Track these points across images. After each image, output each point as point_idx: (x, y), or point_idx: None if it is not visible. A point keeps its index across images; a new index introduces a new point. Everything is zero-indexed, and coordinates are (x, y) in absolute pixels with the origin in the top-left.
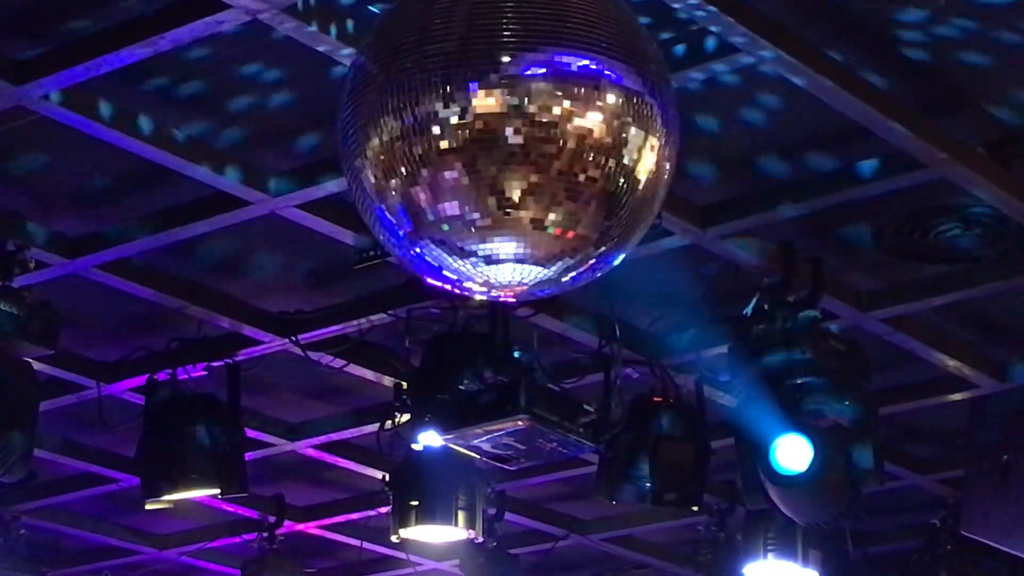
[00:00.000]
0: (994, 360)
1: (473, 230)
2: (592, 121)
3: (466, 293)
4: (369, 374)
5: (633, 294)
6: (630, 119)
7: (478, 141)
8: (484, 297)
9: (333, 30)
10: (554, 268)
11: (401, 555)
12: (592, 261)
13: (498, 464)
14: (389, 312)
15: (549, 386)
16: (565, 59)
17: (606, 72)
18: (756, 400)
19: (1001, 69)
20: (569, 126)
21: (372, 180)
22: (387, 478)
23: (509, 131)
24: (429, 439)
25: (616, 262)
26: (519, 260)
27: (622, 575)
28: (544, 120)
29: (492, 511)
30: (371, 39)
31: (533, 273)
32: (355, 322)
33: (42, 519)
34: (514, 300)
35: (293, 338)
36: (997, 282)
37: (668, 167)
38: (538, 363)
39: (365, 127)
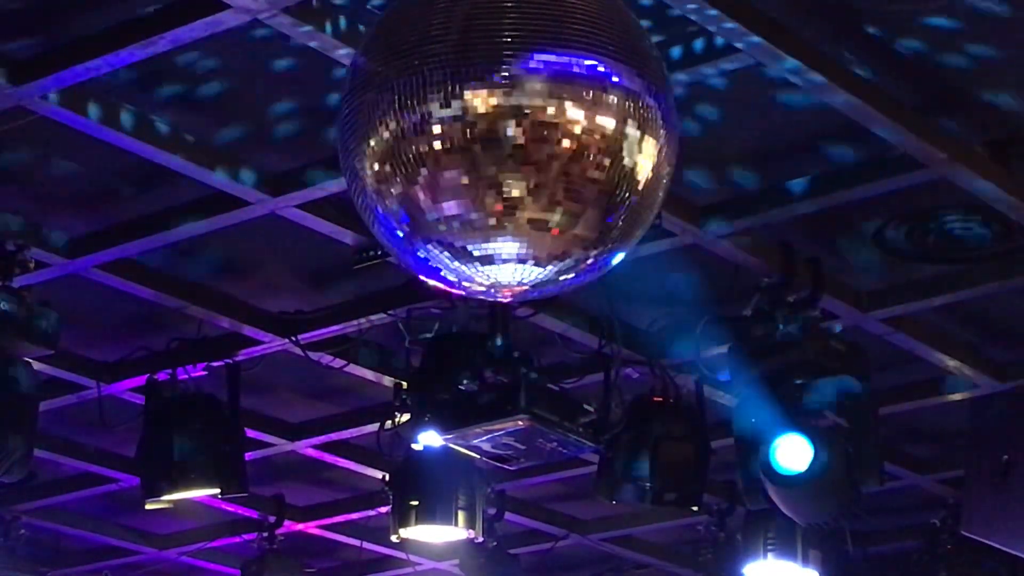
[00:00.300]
0: (994, 360)
1: (473, 230)
2: (592, 121)
3: (466, 293)
4: (369, 374)
5: (633, 294)
6: (630, 119)
7: (478, 141)
8: (484, 297)
9: (332, 29)
10: (554, 268)
11: (401, 555)
12: (592, 261)
13: (498, 464)
14: (389, 312)
15: (549, 386)
16: (565, 59)
17: (606, 72)
18: (756, 400)
19: (1001, 69)
20: (569, 126)
21: (372, 180)
22: (387, 478)
23: (509, 131)
24: (429, 439)
25: (616, 262)
26: (519, 260)
27: (622, 575)
28: (544, 120)
29: (492, 511)
30: (371, 39)
31: (533, 273)
32: (355, 322)
33: (42, 519)
34: (513, 300)
35: (293, 338)
36: (997, 282)
37: (668, 167)
38: (538, 363)
39: (365, 127)
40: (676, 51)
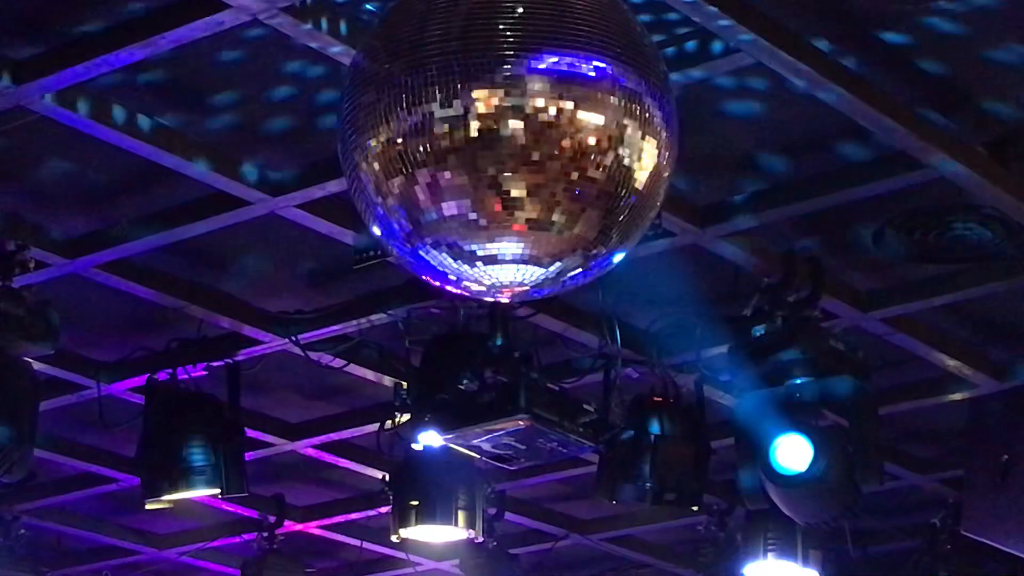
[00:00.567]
0: (994, 360)
1: (473, 230)
2: (592, 121)
3: (466, 293)
4: (369, 374)
5: (633, 294)
6: (630, 119)
7: (478, 141)
8: (484, 297)
9: (333, 29)
10: (554, 268)
11: (401, 555)
12: (592, 261)
13: (498, 464)
14: (389, 312)
15: (549, 386)
16: (565, 59)
17: (606, 72)
18: (756, 400)
19: (1001, 68)
20: (569, 126)
21: (372, 180)
22: (387, 478)
23: (508, 131)
24: (429, 439)
25: (616, 262)
26: (519, 260)
27: (622, 575)
28: (544, 120)
29: (492, 511)
30: (371, 38)
31: (533, 273)
32: (355, 322)
33: (42, 519)
34: (513, 300)
35: (293, 338)
36: (997, 282)
37: (668, 167)
38: (538, 363)
39: (365, 127)
40: (677, 49)
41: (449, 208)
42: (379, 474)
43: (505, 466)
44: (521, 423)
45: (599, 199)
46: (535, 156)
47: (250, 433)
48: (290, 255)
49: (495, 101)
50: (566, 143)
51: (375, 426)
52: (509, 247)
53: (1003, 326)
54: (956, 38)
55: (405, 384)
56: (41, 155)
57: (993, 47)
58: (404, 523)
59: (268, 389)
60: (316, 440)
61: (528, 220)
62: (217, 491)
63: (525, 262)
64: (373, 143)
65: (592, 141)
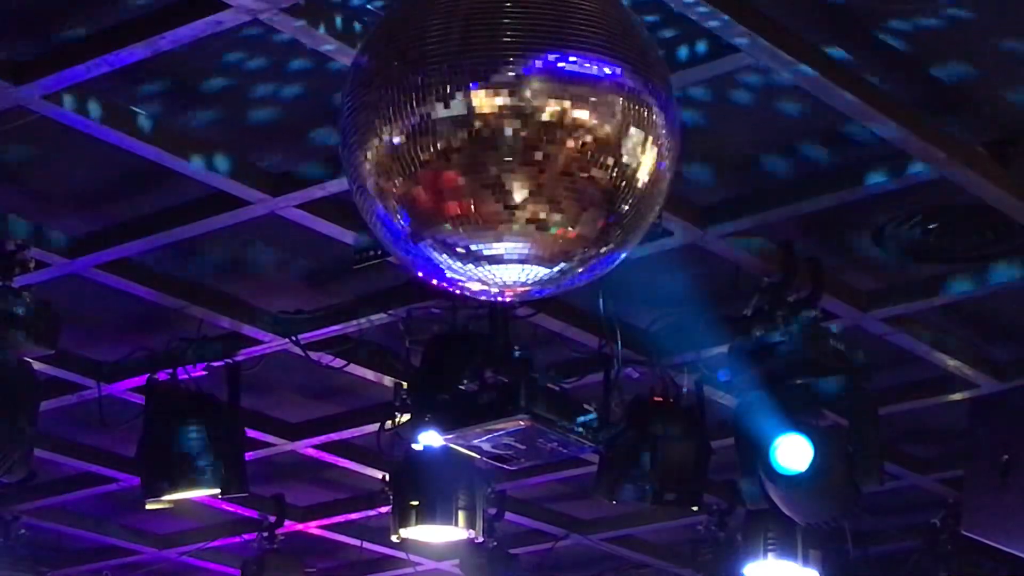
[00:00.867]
0: (994, 360)
1: (474, 230)
2: (592, 121)
3: (466, 293)
4: (369, 374)
5: (633, 294)
6: (630, 119)
7: (479, 141)
8: (485, 297)
9: (333, 29)
10: (555, 268)
11: (401, 555)
12: (593, 261)
13: (498, 464)
14: (389, 312)
15: (549, 386)
16: (565, 59)
17: (606, 72)
18: (756, 400)
19: (1002, 69)
20: (570, 126)
21: (373, 180)
22: (387, 478)
23: (509, 131)
24: (429, 439)
25: (617, 262)
26: (520, 260)
27: (622, 575)
28: (545, 120)
29: (492, 511)
30: (372, 38)
31: (534, 273)
32: (355, 322)
33: (42, 519)
34: (514, 300)
35: (293, 338)
36: (997, 282)
37: (668, 167)
38: (537, 363)
39: (366, 127)
40: (678, 49)
41: (450, 208)
42: (379, 474)
43: (505, 466)
44: (521, 423)
45: (600, 199)
46: (536, 156)
47: (250, 433)
48: (290, 255)
49: (496, 101)
50: (567, 143)
51: (375, 426)
52: (510, 247)
53: (1003, 326)
54: (956, 38)
55: (405, 384)
56: (41, 155)
57: (993, 47)
58: (404, 523)
59: (268, 389)
60: (316, 440)
61: (529, 220)
62: (217, 491)
63: (526, 262)
64: (374, 143)
65: (593, 141)
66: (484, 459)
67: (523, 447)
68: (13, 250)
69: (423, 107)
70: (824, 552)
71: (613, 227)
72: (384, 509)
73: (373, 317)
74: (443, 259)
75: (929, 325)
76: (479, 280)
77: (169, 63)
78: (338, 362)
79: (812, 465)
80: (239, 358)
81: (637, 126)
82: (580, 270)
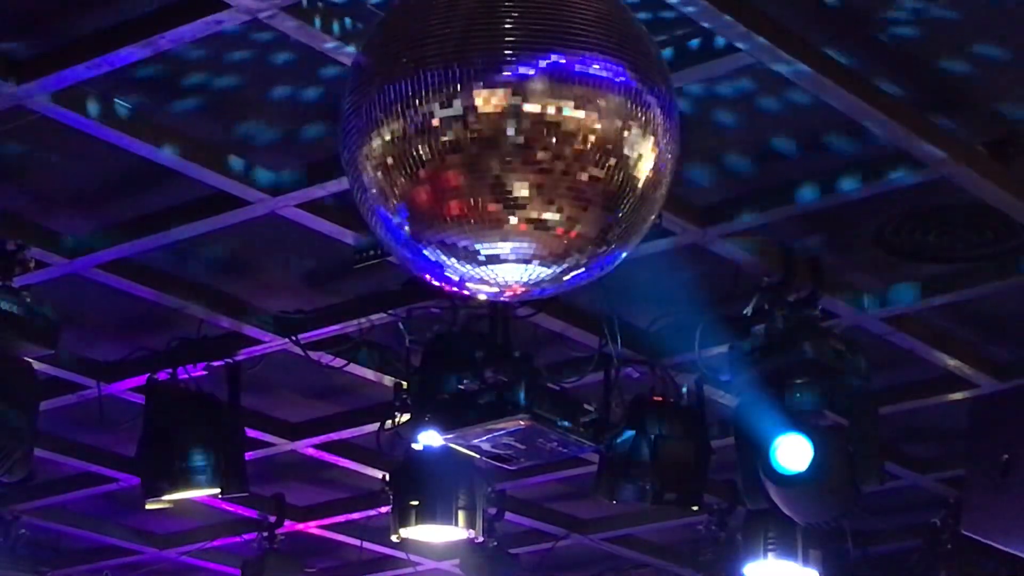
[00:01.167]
0: (994, 360)
1: (474, 230)
2: (593, 121)
3: (467, 293)
4: (369, 374)
5: (633, 294)
6: (631, 119)
7: (479, 141)
8: (485, 297)
9: (334, 28)
10: (555, 268)
11: (401, 555)
12: (594, 260)
13: (498, 464)
14: (389, 312)
15: (549, 386)
16: (566, 59)
17: (607, 72)
18: (756, 400)
19: (1002, 68)
20: (570, 126)
21: (373, 180)
22: (387, 478)
23: (510, 131)
24: (429, 439)
25: (617, 262)
26: (520, 260)
27: (622, 574)
28: (545, 120)
29: (492, 510)
30: (372, 38)
31: (534, 273)
32: (355, 322)
33: (42, 519)
34: (514, 300)
35: (293, 338)
36: (997, 282)
37: (669, 167)
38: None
39: (366, 126)
40: (678, 49)
41: (451, 208)
42: (379, 474)
43: (505, 466)
44: (521, 423)
45: (601, 199)
46: (537, 156)
47: (250, 433)
48: (290, 255)
49: (497, 101)
50: (568, 143)
51: (375, 426)
52: (511, 247)
53: (1003, 326)
54: (957, 37)
55: (405, 384)
56: (41, 155)
57: (994, 46)
58: (404, 523)
59: (268, 389)
60: (316, 440)
61: (530, 220)
62: (217, 491)
63: (527, 262)
64: (375, 143)
65: (593, 141)
66: (484, 459)
67: (523, 447)
68: (13, 250)
69: (423, 107)
70: (824, 552)
71: (613, 227)
72: (384, 509)
73: (373, 317)
74: (443, 259)
75: (929, 325)
76: (479, 280)
77: (170, 62)
78: (338, 362)
79: (812, 465)
80: (239, 358)
81: (638, 126)
82: (580, 270)
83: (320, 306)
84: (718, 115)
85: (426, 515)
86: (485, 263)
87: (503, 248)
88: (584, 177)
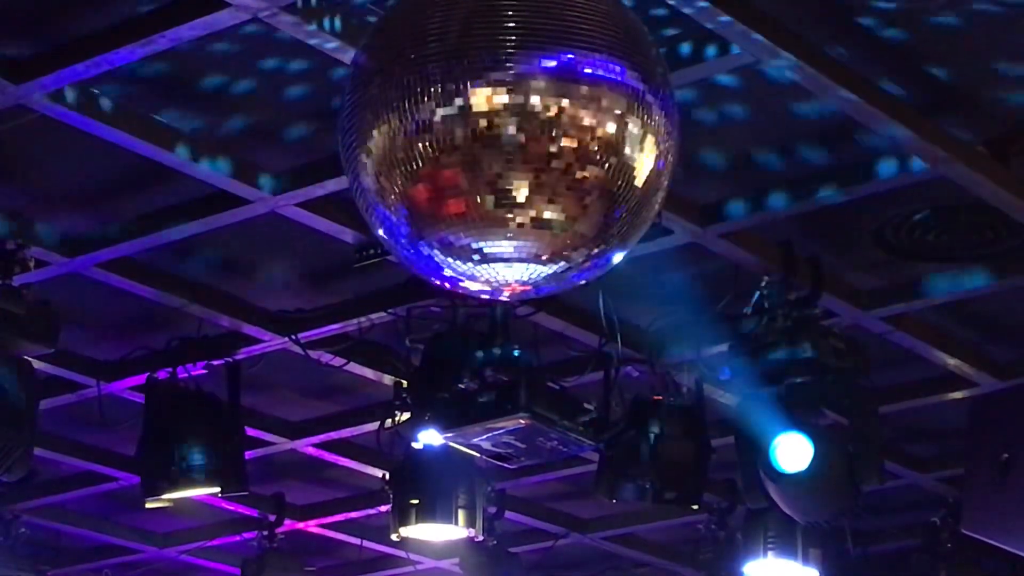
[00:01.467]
0: (994, 360)
1: (474, 229)
2: (592, 120)
3: (467, 292)
4: (369, 373)
5: (633, 294)
6: (630, 118)
7: (478, 140)
8: (485, 296)
9: (333, 28)
10: (555, 267)
11: (401, 554)
12: (593, 260)
13: (498, 463)
14: (389, 311)
15: (549, 385)
16: (565, 58)
17: (606, 71)
18: (756, 399)
19: (1002, 67)
20: (570, 125)
21: (373, 179)
22: (387, 477)
23: (509, 130)
24: (429, 438)
25: (617, 261)
26: (520, 259)
27: (622, 574)
28: (544, 119)
29: (492, 509)
30: (372, 37)
31: (534, 272)
32: (355, 321)
33: (42, 518)
34: (514, 299)
35: (293, 337)
36: (997, 282)
37: (668, 166)
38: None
39: (366, 125)
40: (678, 48)
41: (450, 207)
42: (379, 473)
43: (505, 465)
44: (521, 422)
45: (600, 198)
46: (535, 155)
47: (250, 432)
48: (290, 254)
49: (496, 100)
50: (567, 142)
51: (375, 425)
52: (510, 246)
53: (1003, 326)
54: (957, 37)
55: (405, 383)
56: (41, 155)
57: (994, 46)
58: (404, 522)
59: (268, 388)
60: (316, 439)
61: (529, 219)
62: (217, 490)
63: (526, 261)
64: (374, 142)
65: (593, 140)
66: (484, 458)
67: (523, 446)
68: (13, 249)
69: (423, 106)
70: (824, 551)
71: (613, 226)
72: (384, 508)
73: (373, 316)
74: (443, 258)
75: (929, 325)
76: (479, 279)
77: (169, 62)
78: (338, 361)
79: (812, 464)
80: (239, 357)
81: (637, 125)
82: (580, 269)
83: (320, 305)
84: (718, 114)
85: (426, 514)
86: (485, 262)
87: (502, 247)
88: (584, 176)
